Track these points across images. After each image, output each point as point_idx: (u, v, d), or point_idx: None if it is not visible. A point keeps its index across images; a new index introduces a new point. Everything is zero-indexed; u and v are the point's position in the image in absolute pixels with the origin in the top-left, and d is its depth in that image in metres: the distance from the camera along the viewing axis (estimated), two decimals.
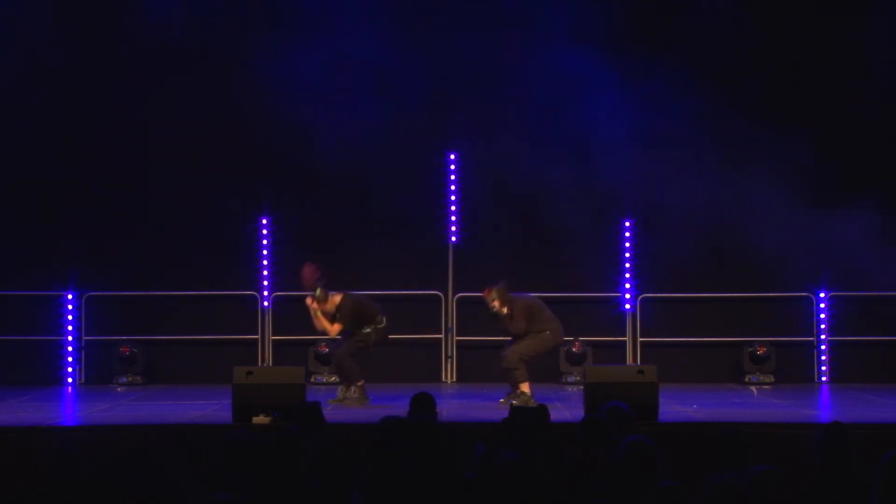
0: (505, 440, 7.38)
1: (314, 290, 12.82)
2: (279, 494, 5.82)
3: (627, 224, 15.75)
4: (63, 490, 4.96)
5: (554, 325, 12.98)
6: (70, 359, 15.61)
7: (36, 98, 15.51)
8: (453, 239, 15.82)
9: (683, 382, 14.65)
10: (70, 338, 15.61)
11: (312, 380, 14.96)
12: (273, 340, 15.70)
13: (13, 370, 15.31)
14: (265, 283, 15.74)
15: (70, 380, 15.53)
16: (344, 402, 12.67)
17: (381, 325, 12.96)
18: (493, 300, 12.84)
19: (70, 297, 15.65)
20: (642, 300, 15.74)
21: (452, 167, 15.85)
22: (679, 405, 12.16)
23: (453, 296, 15.75)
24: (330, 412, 10.89)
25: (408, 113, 15.39)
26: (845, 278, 15.48)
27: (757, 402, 13.49)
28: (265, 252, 15.77)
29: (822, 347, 15.64)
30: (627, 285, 15.77)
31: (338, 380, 13.24)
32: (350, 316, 12.85)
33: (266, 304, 15.72)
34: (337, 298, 12.89)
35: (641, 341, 15.66)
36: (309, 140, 15.57)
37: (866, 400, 13.46)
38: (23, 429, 10.72)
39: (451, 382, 15.59)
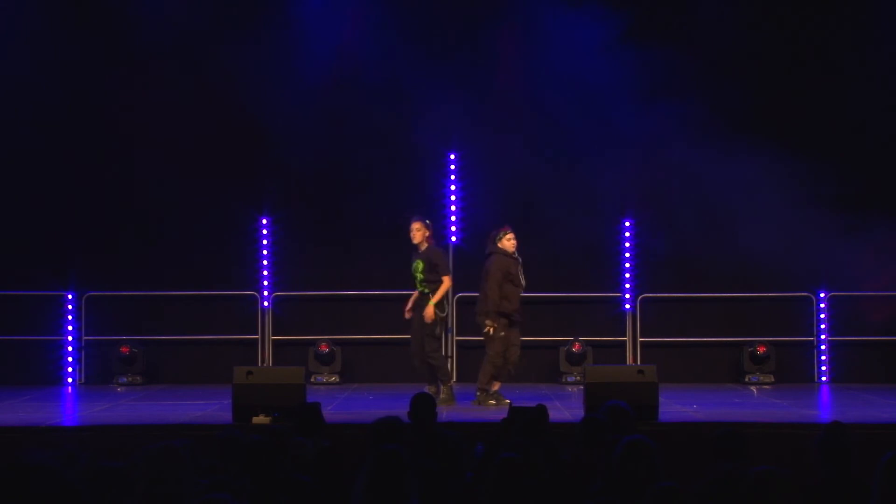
0: (504, 440, 7.38)
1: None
2: (278, 494, 5.82)
3: (627, 224, 15.75)
4: (62, 490, 4.96)
5: None
6: (70, 359, 15.61)
7: (36, 99, 15.51)
8: (453, 239, 15.82)
9: (683, 382, 14.66)
10: (70, 338, 15.62)
11: (312, 380, 14.96)
12: (273, 340, 15.70)
13: (13, 370, 15.32)
14: (265, 283, 15.74)
15: (70, 380, 15.53)
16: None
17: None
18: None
19: (70, 297, 15.65)
20: (642, 300, 15.74)
21: (452, 167, 15.86)
22: (679, 405, 12.17)
23: (453, 296, 15.74)
24: (329, 412, 10.88)
25: (408, 113, 15.37)
26: (845, 278, 15.51)
27: (757, 402, 13.49)
28: (265, 252, 15.77)
29: (822, 347, 15.64)
30: (627, 285, 15.77)
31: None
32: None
33: (266, 304, 15.72)
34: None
35: (641, 341, 15.66)
36: (309, 140, 15.58)
37: (866, 400, 13.46)
38: (23, 429, 10.72)
39: (452, 382, 15.56)
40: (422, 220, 12.92)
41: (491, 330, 12.73)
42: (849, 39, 15.62)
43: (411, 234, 12.88)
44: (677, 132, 15.35)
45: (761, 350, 15.21)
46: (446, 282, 12.80)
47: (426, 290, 12.78)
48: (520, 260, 12.89)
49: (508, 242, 12.83)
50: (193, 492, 5.26)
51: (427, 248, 12.88)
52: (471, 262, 15.72)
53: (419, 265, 12.80)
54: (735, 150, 15.12)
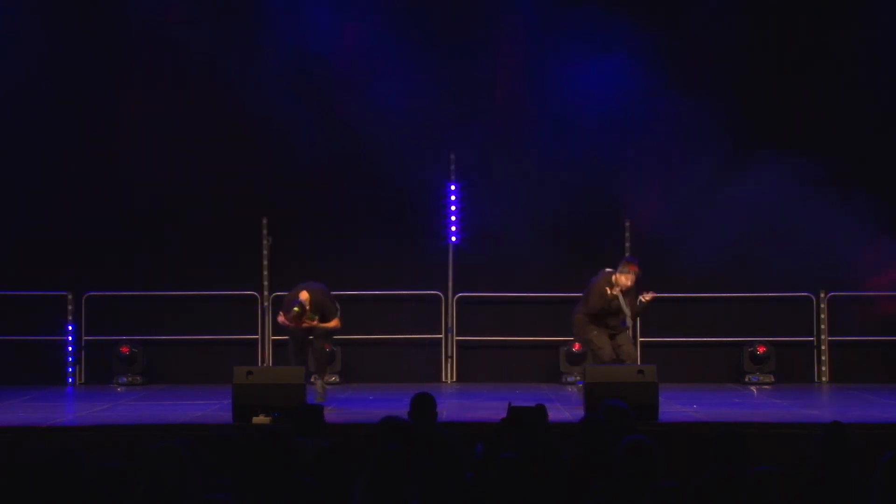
0: (504, 440, 7.39)
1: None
2: (277, 494, 5.82)
3: (627, 224, 15.74)
4: (62, 490, 4.96)
5: None
6: (70, 359, 15.61)
7: (35, 99, 15.51)
8: (453, 239, 15.82)
9: (683, 382, 14.65)
10: (70, 338, 15.61)
11: (312, 380, 14.92)
12: (273, 340, 15.69)
13: (13, 370, 15.31)
14: (265, 283, 15.73)
15: (70, 380, 15.53)
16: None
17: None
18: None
19: (70, 297, 15.64)
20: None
21: (452, 168, 15.85)
22: (679, 405, 12.16)
23: (453, 296, 15.75)
24: (329, 412, 10.89)
25: (408, 113, 15.37)
26: (845, 278, 15.52)
27: (757, 402, 13.49)
28: (265, 252, 15.76)
29: (822, 347, 15.64)
30: None
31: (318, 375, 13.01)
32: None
33: (266, 304, 15.71)
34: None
35: (641, 341, 15.65)
36: (309, 140, 15.57)
37: (866, 400, 13.45)
38: (23, 429, 10.72)
39: (451, 382, 15.60)
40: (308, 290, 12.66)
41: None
42: (851, 37, 15.59)
43: (302, 302, 12.60)
44: (677, 131, 15.36)
45: (761, 350, 15.21)
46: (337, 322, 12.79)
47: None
48: (620, 294, 12.48)
49: (623, 277, 12.48)
50: (193, 492, 5.26)
51: (316, 302, 12.67)
52: (470, 262, 15.75)
53: (314, 317, 12.67)
54: (735, 151, 15.13)
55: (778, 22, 15.70)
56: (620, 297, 12.42)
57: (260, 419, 10.59)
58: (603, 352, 12.42)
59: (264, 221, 15.71)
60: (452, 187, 15.85)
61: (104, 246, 15.65)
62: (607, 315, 12.47)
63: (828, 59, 15.65)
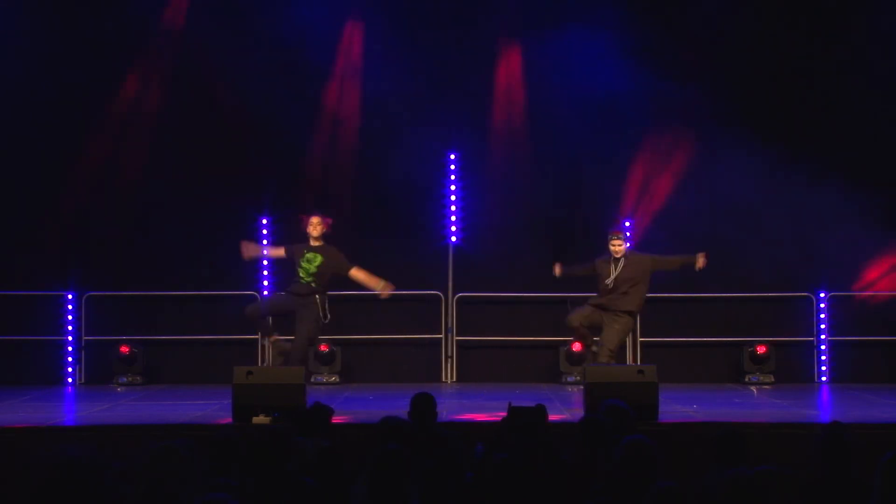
0: (504, 440, 7.39)
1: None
2: (277, 494, 5.82)
3: (627, 224, 15.74)
4: (62, 491, 4.96)
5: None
6: (70, 359, 15.61)
7: (35, 98, 15.51)
8: (453, 239, 15.82)
9: (683, 382, 14.65)
10: (70, 338, 15.61)
11: (312, 380, 14.95)
12: (273, 341, 15.66)
13: (13, 370, 15.31)
14: (265, 283, 15.73)
15: (70, 380, 15.53)
16: None
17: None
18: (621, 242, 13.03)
19: (70, 297, 15.65)
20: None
21: (452, 167, 15.86)
22: (679, 405, 12.16)
23: (453, 296, 15.75)
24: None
25: (408, 113, 15.38)
26: (845, 278, 15.52)
27: (757, 402, 13.49)
28: (265, 252, 15.74)
29: (822, 347, 15.64)
30: None
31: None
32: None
33: None
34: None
35: (641, 341, 15.66)
36: (309, 140, 15.58)
37: (866, 400, 13.46)
38: (23, 429, 10.72)
39: (451, 382, 15.60)
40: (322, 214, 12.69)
41: None
42: (852, 38, 15.59)
43: (311, 228, 12.64)
44: (677, 131, 15.36)
45: (761, 350, 15.21)
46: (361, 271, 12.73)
47: (315, 284, 12.60)
48: (613, 259, 12.92)
49: (610, 247, 13.00)
50: (193, 492, 5.26)
51: (324, 244, 12.66)
52: (470, 262, 15.74)
53: (316, 258, 12.67)
54: (735, 150, 15.13)
55: (787, 23, 15.68)
56: (613, 265, 12.94)
57: (260, 419, 10.58)
58: (573, 316, 12.88)
59: (264, 221, 15.72)
60: (452, 187, 15.85)
61: (104, 246, 15.65)
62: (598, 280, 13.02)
63: (829, 55, 15.65)
